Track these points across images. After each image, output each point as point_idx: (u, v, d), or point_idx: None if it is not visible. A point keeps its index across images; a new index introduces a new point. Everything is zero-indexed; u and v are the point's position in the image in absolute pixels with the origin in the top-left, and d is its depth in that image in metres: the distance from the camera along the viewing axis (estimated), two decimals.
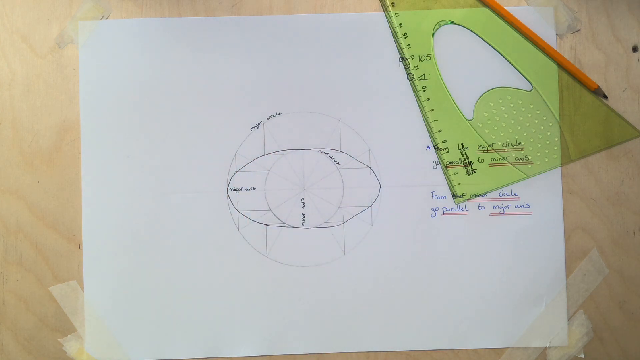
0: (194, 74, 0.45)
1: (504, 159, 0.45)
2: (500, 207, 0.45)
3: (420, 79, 0.45)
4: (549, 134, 0.45)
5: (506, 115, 0.45)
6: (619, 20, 0.45)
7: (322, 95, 0.45)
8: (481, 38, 0.45)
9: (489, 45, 0.45)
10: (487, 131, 0.45)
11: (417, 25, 0.45)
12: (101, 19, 0.45)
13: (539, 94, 0.44)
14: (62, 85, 0.45)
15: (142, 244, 0.45)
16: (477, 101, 0.45)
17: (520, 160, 0.45)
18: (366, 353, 0.45)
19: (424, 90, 0.45)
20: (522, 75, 0.45)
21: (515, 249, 0.45)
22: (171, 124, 0.45)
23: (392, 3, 0.45)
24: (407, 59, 0.45)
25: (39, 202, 0.45)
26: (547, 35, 0.45)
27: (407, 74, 0.45)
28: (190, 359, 0.45)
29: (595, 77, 0.45)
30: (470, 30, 0.45)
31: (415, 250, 0.45)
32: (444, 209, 0.45)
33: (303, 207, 0.45)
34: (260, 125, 0.45)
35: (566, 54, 0.45)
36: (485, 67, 0.45)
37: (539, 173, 0.45)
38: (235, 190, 0.45)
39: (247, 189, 0.45)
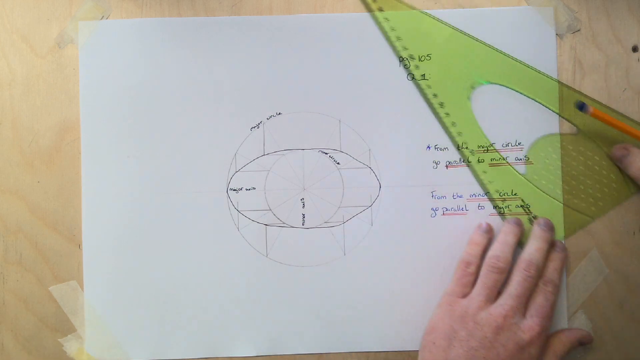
0: (194, 74, 0.45)
1: (504, 158, 0.45)
2: (500, 207, 0.45)
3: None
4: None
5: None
6: (619, 20, 0.45)
7: (322, 95, 0.45)
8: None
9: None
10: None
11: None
12: (101, 19, 0.45)
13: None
14: (62, 85, 0.45)
15: (142, 244, 0.45)
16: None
17: (520, 160, 0.45)
18: (366, 353, 0.45)
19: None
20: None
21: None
22: (171, 124, 0.45)
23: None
24: (405, 58, 0.45)
25: (39, 202, 0.45)
26: (547, 35, 0.45)
27: (407, 74, 0.45)
28: (190, 359, 0.45)
29: (595, 77, 0.45)
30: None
31: (415, 250, 0.45)
32: (444, 209, 0.45)
33: (303, 207, 0.45)
34: (260, 125, 0.45)
35: (566, 54, 0.45)
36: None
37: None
38: (235, 190, 0.45)
39: (247, 189, 0.45)
